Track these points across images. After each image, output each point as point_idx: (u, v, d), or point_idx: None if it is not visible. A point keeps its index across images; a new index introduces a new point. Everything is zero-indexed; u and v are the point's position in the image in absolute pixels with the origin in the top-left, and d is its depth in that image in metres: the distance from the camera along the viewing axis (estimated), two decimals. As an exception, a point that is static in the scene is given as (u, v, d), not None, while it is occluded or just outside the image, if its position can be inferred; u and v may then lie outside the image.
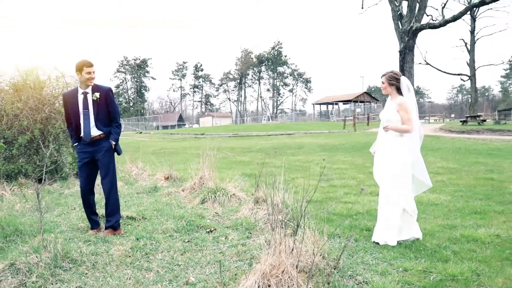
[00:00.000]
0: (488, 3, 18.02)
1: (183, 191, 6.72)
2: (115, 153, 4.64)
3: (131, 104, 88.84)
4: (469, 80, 41.89)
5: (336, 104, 66.43)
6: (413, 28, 17.21)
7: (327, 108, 69.30)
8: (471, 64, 41.46)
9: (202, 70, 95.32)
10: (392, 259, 3.63)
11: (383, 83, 4.24)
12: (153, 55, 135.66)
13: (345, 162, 10.79)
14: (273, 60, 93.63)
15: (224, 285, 3.09)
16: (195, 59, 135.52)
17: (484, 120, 32.61)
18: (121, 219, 4.86)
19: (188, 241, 4.27)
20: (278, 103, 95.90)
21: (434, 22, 18.44)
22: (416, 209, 4.20)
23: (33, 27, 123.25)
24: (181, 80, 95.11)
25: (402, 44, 17.65)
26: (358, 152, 13.34)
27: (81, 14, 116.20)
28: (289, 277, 2.75)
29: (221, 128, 44.22)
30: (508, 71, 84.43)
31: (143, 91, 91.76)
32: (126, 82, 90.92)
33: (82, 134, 4.47)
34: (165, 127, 66.67)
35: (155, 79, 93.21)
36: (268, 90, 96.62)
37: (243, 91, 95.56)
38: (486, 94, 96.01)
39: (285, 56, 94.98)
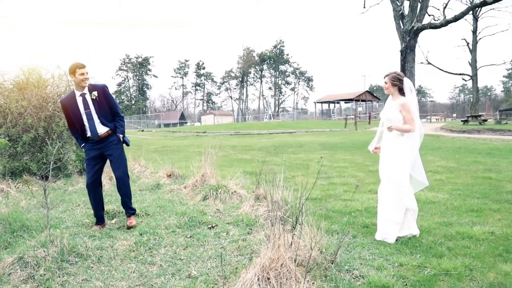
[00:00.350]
0: (489, 4, 18.02)
1: (185, 188, 6.83)
2: (124, 144, 4.84)
3: (133, 102, 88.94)
4: (471, 80, 41.86)
5: (338, 102, 66.47)
6: (415, 28, 17.25)
7: (329, 106, 69.35)
8: (473, 64, 41.41)
9: (204, 68, 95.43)
10: (389, 255, 3.74)
11: (386, 83, 4.32)
12: (154, 54, 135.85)
13: (345, 161, 10.89)
14: (275, 59, 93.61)
15: (225, 278, 3.21)
16: (197, 58, 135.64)
17: (485, 120, 32.66)
18: (125, 215, 5.02)
19: (190, 237, 4.38)
20: (280, 101, 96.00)
21: (435, 22, 18.47)
22: (417, 207, 4.31)
23: (33, 27, 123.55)
24: (183, 78, 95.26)
25: (403, 43, 17.69)
26: (358, 151, 13.43)
27: (81, 14, 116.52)
28: (287, 270, 2.86)
29: (222, 126, 44.34)
30: (510, 71, 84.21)
31: (145, 89, 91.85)
32: (128, 80, 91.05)
33: (89, 134, 4.59)
34: (167, 125, 66.76)
35: (157, 77, 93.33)
36: (270, 88, 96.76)
37: (245, 89, 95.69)
38: (489, 94, 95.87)
39: (287, 55, 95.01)
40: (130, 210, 4.87)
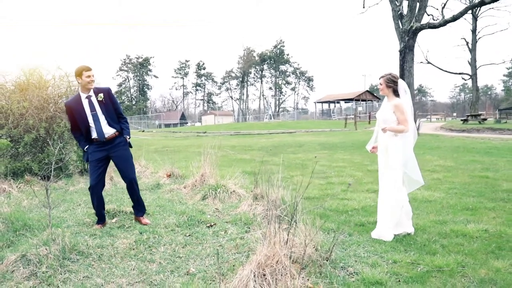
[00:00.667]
0: (488, 3, 18.11)
1: (184, 188, 6.91)
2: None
3: (134, 102, 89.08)
4: (471, 79, 41.92)
5: (338, 102, 66.54)
6: (413, 28, 17.33)
7: (329, 106, 69.43)
8: (473, 63, 41.48)
9: (204, 69, 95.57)
10: (383, 252, 3.82)
11: (381, 84, 4.42)
12: (155, 54, 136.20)
13: (344, 160, 10.97)
14: (275, 59, 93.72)
15: (222, 275, 3.29)
16: (197, 58, 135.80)
17: (485, 119, 32.71)
18: (125, 214, 5.11)
19: (189, 235, 4.47)
20: (280, 101, 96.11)
21: (434, 22, 18.55)
22: (409, 206, 4.39)
23: (33, 27, 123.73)
24: (183, 78, 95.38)
25: (402, 43, 17.78)
26: (357, 150, 13.52)
27: (81, 14, 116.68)
28: (282, 267, 2.94)
29: (223, 126, 44.44)
30: (510, 70, 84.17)
31: (146, 89, 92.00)
32: (128, 81, 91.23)
33: (95, 136, 4.65)
34: (167, 126, 66.91)
35: (157, 77, 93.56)
36: (270, 88, 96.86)
37: (245, 89, 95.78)
38: (489, 93, 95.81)
39: (287, 55, 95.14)
40: (143, 209, 5.08)
